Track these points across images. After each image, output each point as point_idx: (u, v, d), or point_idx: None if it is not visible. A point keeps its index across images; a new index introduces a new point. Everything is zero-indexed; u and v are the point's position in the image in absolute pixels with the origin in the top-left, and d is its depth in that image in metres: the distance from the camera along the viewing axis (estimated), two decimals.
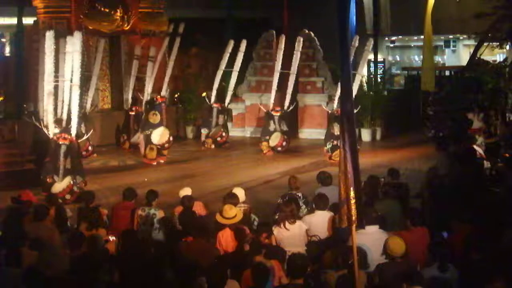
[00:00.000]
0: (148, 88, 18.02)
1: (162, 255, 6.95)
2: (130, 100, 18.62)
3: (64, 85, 12.93)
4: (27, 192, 9.95)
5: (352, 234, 6.16)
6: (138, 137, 17.62)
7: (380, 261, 6.84)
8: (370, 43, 17.26)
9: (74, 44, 12.47)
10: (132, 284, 6.48)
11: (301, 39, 17.59)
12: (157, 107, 16.92)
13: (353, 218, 5.98)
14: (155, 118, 16.42)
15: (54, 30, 13.14)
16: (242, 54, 18.50)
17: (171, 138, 16.51)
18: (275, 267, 6.85)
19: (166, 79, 17.83)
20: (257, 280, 6.21)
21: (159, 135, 16.20)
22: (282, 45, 17.54)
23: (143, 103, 17.71)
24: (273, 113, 17.47)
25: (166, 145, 16.34)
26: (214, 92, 18.74)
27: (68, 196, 12.40)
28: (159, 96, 17.17)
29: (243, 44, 18.41)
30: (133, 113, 18.28)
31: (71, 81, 12.49)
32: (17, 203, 9.66)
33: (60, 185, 12.51)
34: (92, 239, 7.63)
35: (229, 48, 18.42)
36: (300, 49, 17.55)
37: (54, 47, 12.61)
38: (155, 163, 16.12)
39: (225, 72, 18.83)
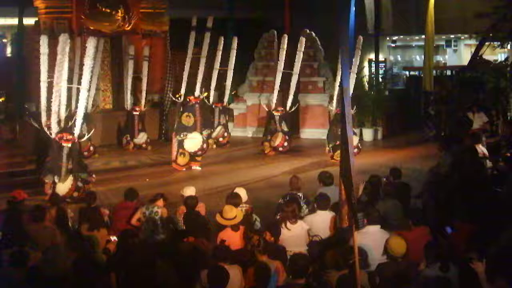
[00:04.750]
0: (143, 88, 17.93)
1: (162, 255, 6.94)
2: (130, 101, 18.64)
3: (63, 86, 12.90)
4: (19, 192, 9.93)
5: (353, 234, 6.16)
6: (142, 137, 17.67)
7: (381, 260, 6.84)
8: (360, 41, 16.86)
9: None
10: (131, 284, 6.48)
11: (304, 40, 17.35)
12: (191, 108, 15.98)
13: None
14: (188, 120, 15.55)
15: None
16: (235, 51, 18.42)
17: (204, 146, 15.62)
18: (279, 267, 6.84)
19: (199, 77, 16.80)
20: (259, 280, 6.21)
21: (193, 143, 15.44)
22: (284, 45, 17.33)
23: (166, 103, 16.93)
24: (274, 113, 17.43)
25: (199, 152, 15.59)
26: (212, 92, 18.73)
27: (75, 194, 12.32)
28: (192, 97, 16.13)
29: (235, 41, 18.36)
30: (136, 113, 18.30)
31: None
32: (13, 204, 9.66)
33: (63, 186, 12.38)
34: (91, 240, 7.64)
35: (220, 46, 18.32)
36: (303, 49, 17.29)
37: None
38: (184, 169, 15.49)
39: (226, 72, 18.81)
